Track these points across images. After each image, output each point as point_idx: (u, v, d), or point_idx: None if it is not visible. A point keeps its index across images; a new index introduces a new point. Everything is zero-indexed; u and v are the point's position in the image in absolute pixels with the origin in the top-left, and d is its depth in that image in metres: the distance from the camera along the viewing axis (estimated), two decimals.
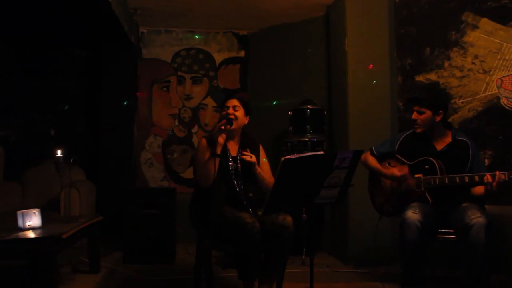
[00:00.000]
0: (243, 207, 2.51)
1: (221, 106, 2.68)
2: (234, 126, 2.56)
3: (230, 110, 2.59)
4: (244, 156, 2.55)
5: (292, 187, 2.11)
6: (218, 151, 2.45)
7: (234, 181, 2.56)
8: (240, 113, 2.61)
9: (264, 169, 2.64)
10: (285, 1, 4.01)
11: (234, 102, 2.63)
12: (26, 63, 4.67)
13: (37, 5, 3.64)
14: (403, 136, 2.86)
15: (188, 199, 2.68)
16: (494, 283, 2.43)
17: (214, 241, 2.49)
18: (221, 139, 2.47)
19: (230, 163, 2.58)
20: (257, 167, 2.57)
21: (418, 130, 2.72)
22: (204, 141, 2.58)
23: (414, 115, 2.71)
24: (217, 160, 2.43)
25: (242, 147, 2.64)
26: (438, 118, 2.67)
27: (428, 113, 2.67)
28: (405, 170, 2.74)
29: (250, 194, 2.56)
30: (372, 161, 2.89)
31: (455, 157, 2.67)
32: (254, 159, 2.55)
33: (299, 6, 4.12)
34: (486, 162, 3.30)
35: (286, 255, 2.44)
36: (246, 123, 2.67)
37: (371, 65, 3.64)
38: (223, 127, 2.46)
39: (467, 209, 2.50)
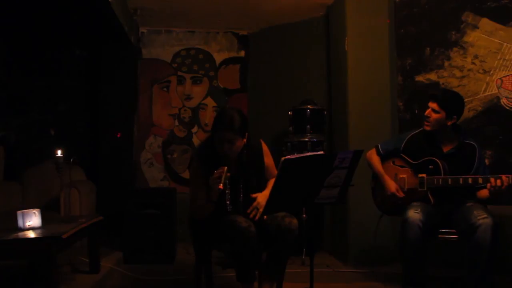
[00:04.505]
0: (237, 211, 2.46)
1: (214, 131, 2.35)
2: (233, 155, 2.38)
3: (226, 147, 2.30)
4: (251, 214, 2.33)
5: (292, 187, 2.11)
6: (214, 198, 2.28)
7: (227, 204, 2.41)
8: (237, 144, 2.32)
9: (270, 171, 2.53)
10: (285, 1, 4.01)
11: (228, 136, 2.28)
12: (26, 63, 4.67)
13: (37, 5, 3.64)
14: (410, 135, 2.85)
15: (188, 199, 2.67)
16: (494, 283, 2.42)
17: (213, 241, 2.48)
18: (216, 188, 2.21)
19: (227, 195, 2.41)
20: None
21: (427, 128, 2.70)
22: (196, 166, 2.40)
23: (428, 112, 2.68)
24: (213, 206, 2.31)
25: (241, 163, 2.44)
26: (449, 122, 2.65)
27: (442, 114, 2.63)
28: (401, 194, 2.73)
29: (252, 195, 2.47)
30: (376, 161, 2.87)
31: (460, 159, 2.66)
32: (260, 210, 2.31)
33: (299, 6, 4.12)
34: (486, 162, 3.30)
35: (288, 256, 2.43)
36: (245, 142, 2.39)
37: None
38: (221, 186, 2.18)
39: (472, 209, 2.50)
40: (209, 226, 2.42)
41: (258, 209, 2.30)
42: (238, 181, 2.43)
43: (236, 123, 2.29)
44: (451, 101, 2.67)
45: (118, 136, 4.54)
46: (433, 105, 2.66)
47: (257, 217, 2.29)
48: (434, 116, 2.65)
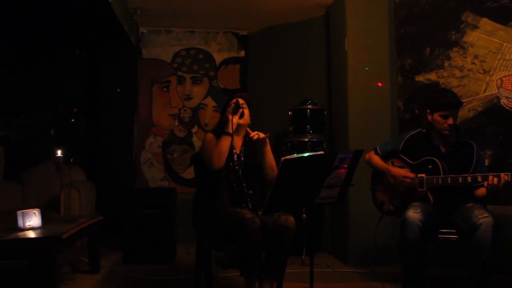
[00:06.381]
0: (243, 204, 2.51)
1: (227, 105, 2.64)
2: (244, 120, 2.55)
3: (241, 109, 2.56)
4: (254, 137, 2.49)
5: (292, 187, 2.11)
6: (231, 129, 2.43)
7: (235, 180, 2.54)
8: (247, 111, 2.60)
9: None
10: (285, 1, 4.02)
11: (241, 100, 2.60)
12: (26, 63, 4.67)
13: (37, 5, 3.64)
14: (408, 136, 2.85)
15: (188, 199, 2.69)
16: (494, 283, 2.42)
17: (214, 241, 2.49)
18: (234, 119, 2.44)
19: (234, 159, 2.56)
20: (267, 144, 2.54)
21: (448, 133, 2.66)
22: (210, 134, 2.56)
23: (452, 120, 2.63)
24: (229, 139, 2.43)
25: (246, 144, 2.64)
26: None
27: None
28: (410, 174, 2.70)
29: (250, 192, 2.55)
30: (377, 159, 2.88)
31: (459, 159, 2.67)
32: (262, 135, 2.50)
33: (299, 6, 4.12)
34: (486, 162, 3.29)
35: (287, 255, 2.44)
36: (249, 122, 2.65)
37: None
38: (239, 108, 2.46)
39: (473, 209, 2.50)
40: (212, 217, 2.44)
41: (258, 134, 2.49)
42: (239, 158, 2.57)
43: (245, 95, 2.70)
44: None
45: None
46: (455, 111, 2.66)
47: (261, 136, 2.48)
48: (454, 121, 2.66)
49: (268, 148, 2.56)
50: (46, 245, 2.31)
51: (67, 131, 4.69)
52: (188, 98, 4.84)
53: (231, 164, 2.55)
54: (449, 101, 2.66)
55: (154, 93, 4.80)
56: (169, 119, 4.81)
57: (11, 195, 3.88)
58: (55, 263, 2.34)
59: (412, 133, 2.86)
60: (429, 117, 2.73)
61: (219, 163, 2.42)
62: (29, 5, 3.66)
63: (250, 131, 2.54)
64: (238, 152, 2.62)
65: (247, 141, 2.65)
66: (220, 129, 2.54)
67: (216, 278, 3.05)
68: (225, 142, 2.43)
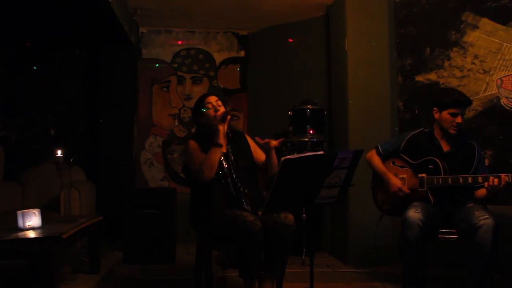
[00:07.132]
0: (241, 206, 2.50)
1: (199, 106, 2.63)
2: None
3: (218, 107, 2.57)
4: (271, 144, 2.46)
5: (292, 187, 2.11)
6: (221, 141, 2.44)
7: (230, 181, 2.53)
8: (223, 108, 2.60)
9: (257, 154, 2.67)
10: (285, 1, 4.02)
11: (214, 98, 2.61)
12: (26, 63, 4.67)
13: (37, 5, 3.64)
14: (409, 135, 2.84)
15: (188, 199, 2.68)
16: (494, 283, 2.43)
17: (214, 241, 2.49)
18: (221, 128, 2.47)
19: (223, 162, 2.54)
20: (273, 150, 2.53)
21: (455, 132, 2.66)
22: (193, 142, 2.53)
23: (461, 118, 2.63)
24: (220, 151, 2.43)
25: (230, 142, 2.64)
26: None
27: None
28: (406, 189, 2.70)
29: (246, 191, 2.54)
30: (377, 161, 2.87)
31: (460, 159, 2.67)
32: (274, 142, 2.46)
33: (299, 6, 4.12)
34: (486, 162, 3.29)
35: (287, 253, 2.44)
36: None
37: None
38: (227, 115, 2.46)
39: (473, 209, 2.49)
40: (211, 218, 2.43)
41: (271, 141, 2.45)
42: (229, 158, 2.57)
43: (214, 93, 2.68)
44: None
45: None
46: (464, 110, 2.66)
47: (277, 143, 2.44)
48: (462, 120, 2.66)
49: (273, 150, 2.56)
50: (46, 245, 2.32)
51: (67, 131, 4.69)
52: (188, 98, 4.84)
53: (224, 165, 2.53)
54: (460, 99, 2.66)
55: (154, 93, 4.80)
56: (169, 119, 4.81)
57: (11, 195, 3.88)
58: (55, 263, 2.34)
59: (414, 132, 2.85)
60: (436, 115, 2.71)
61: (209, 174, 2.41)
62: (29, 5, 3.66)
63: (260, 140, 2.49)
64: (225, 151, 2.58)
65: (231, 137, 2.65)
66: (203, 137, 2.55)
67: (216, 278, 3.05)
68: (217, 154, 2.42)
